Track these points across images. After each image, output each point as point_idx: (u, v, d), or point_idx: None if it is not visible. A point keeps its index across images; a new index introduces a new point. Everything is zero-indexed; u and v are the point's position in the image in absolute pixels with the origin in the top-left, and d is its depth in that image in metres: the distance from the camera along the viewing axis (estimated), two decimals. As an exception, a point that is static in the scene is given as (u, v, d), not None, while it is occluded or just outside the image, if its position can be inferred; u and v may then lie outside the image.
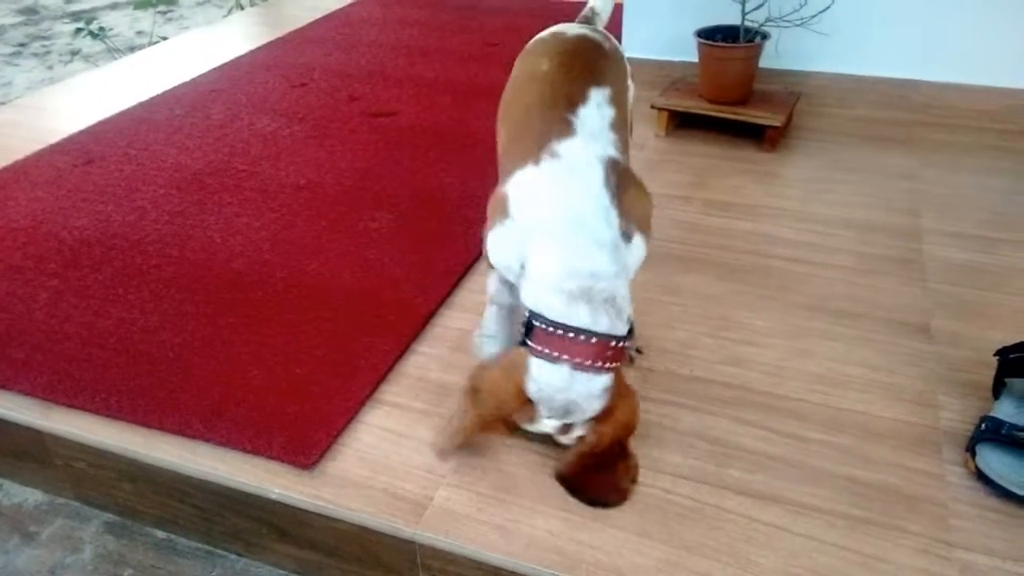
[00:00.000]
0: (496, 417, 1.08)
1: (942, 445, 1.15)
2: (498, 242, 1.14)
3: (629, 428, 1.07)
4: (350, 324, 1.41)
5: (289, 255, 1.61)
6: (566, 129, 1.13)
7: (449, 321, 1.43)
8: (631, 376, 1.27)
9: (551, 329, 1.02)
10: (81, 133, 2.19)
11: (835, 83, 2.13)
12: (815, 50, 2.09)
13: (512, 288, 1.19)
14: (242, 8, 3.78)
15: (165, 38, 3.35)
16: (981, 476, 1.08)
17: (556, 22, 2.94)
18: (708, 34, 1.99)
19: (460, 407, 1.10)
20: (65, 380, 1.30)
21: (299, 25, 3.05)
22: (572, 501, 1.08)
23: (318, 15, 3.16)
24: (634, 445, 1.15)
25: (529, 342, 1.04)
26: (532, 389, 1.03)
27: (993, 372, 1.21)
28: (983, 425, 1.11)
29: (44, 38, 4.42)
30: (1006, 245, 1.59)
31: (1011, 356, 1.18)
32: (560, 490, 1.09)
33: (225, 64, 2.68)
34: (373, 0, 3.32)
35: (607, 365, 1.02)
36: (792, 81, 2.15)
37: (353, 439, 1.19)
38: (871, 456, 1.13)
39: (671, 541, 1.02)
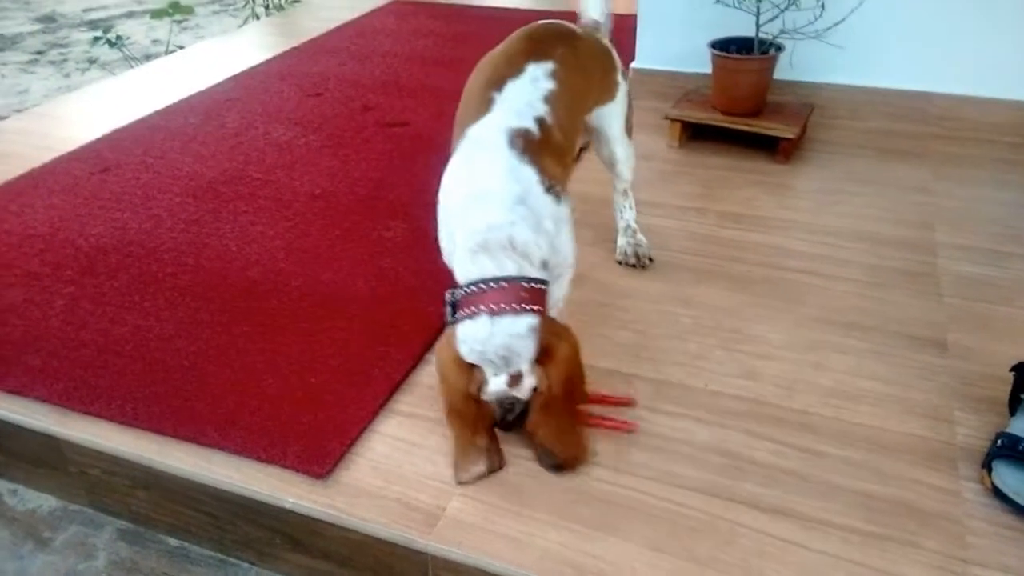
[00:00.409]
0: (457, 398, 1.08)
1: (958, 461, 1.14)
2: (438, 221, 1.18)
3: (573, 363, 1.08)
4: (364, 333, 1.41)
5: (304, 264, 1.62)
6: (485, 108, 1.17)
7: (462, 331, 1.43)
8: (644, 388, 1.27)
9: (467, 291, 1.05)
10: (97, 141, 2.21)
11: (849, 95, 2.13)
12: (829, 62, 2.09)
13: None
14: (257, 18, 3.81)
15: (181, 47, 3.38)
16: (997, 493, 1.07)
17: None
18: (722, 46, 1.99)
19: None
20: (81, 387, 1.31)
21: (314, 35, 3.08)
22: (584, 514, 1.08)
23: (333, 25, 3.18)
24: (647, 457, 1.16)
25: (454, 315, 1.06)
26: (464, 351, 1.05)
27: (1009, 387, 1.20)
28: (999, 441, 1.10)
29: (61, 46, 4.47)
30: (1018, 259, 1.58)
31: (1027, 372, 1.18)
32: (573, 502, 1.09)
33: (240, 73, 2.70)
34: (388, 11, 3.34)
35: (524, 306, 1.04)
36: (806, 93, 2.15)
37: (367, 448, 1.20)
38: (885, 471, 1.12)
39: (683, 555, 1.02)
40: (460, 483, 1.13)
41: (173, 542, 1.27)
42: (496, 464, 1.14)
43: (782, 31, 1.96)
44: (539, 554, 1.03)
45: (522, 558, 1.02)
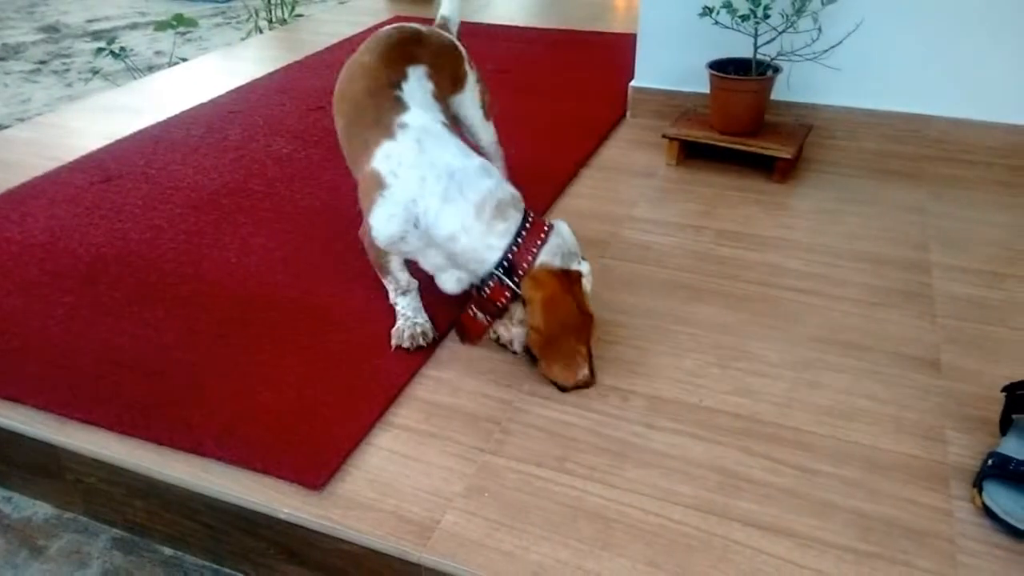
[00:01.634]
0: (572, 313, 1.26)
1: (950, 480, 1.15)
2: (384, 215, 1.30)
3: (550, 302, 1.24)
4: (361, 346, 1.42)
5: (303, 276, 1.62)
6: (401, 106, 1.36)
7: (458, 345, 1.44)
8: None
9: (520, 237, 1.25)
10: (100, 151, 2.23)
11: (845, 116, 2.15)
12: (826, 84, 2.11)
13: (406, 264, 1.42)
14: (260, 32, 3.84)
15: (184, 59, 3.41)
16: (988, 512, 1.08)
17: (568, 50, 3.00)
18: (720, 66, 2.01)
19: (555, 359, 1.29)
20: (80, 395, 1.31)
21: (316, 50, 3.10)
22: (580, 529, 1.08)
23: (335, 40, 3.21)
24: (642, 472, 1.16)
25: (520, 270, 1.25)
26: (558, 262, 1.26)
27: (1000, 407, 1.21)
28: (990, 461, 1.11)
29: (64, 56, 4.50)
30: (1012, 280, 1.60)
31: (1018, 392, 1.18)
32: (568, 517, 1.10)
33: (243, 86, 2.72)
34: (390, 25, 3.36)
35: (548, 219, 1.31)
36: (803, 113, 2.17)
37: (362, 461, 1.20)
38: (879, 490, 1.13)
39: (679, 572, 1.02)
40: (567, 389, 1.30)
41: (168, 551, 1.27)
42: (592, 372, 1.32)
43: (779, 53, 1.99)
44: (533, 569, 1.03)
45: (516, 572, 1.03)
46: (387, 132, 1.33)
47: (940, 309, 1.51)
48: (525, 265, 1.25)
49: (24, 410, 1.31)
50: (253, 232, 1.79)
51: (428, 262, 1.36)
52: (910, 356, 1.39)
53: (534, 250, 1.25)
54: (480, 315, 1.32)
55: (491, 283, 1.27)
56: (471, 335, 1.38)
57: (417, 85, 1.42)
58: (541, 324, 1.24)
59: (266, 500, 1.14)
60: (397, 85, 1.40)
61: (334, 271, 1.64)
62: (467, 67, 1.65)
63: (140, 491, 1.24)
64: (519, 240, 1.25)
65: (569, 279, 1.27)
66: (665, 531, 1.08)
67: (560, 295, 1.25)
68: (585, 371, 1.30)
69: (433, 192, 1.27)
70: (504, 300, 1.28)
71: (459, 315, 1.37)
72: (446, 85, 1.54)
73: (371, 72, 1.43)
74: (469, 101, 1.66)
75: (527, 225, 1.27)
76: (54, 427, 1.28)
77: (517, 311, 1.30)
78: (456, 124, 1.66)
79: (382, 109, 1.36)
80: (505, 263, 1.25)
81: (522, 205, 1.31)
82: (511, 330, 1.34)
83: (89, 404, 1.29)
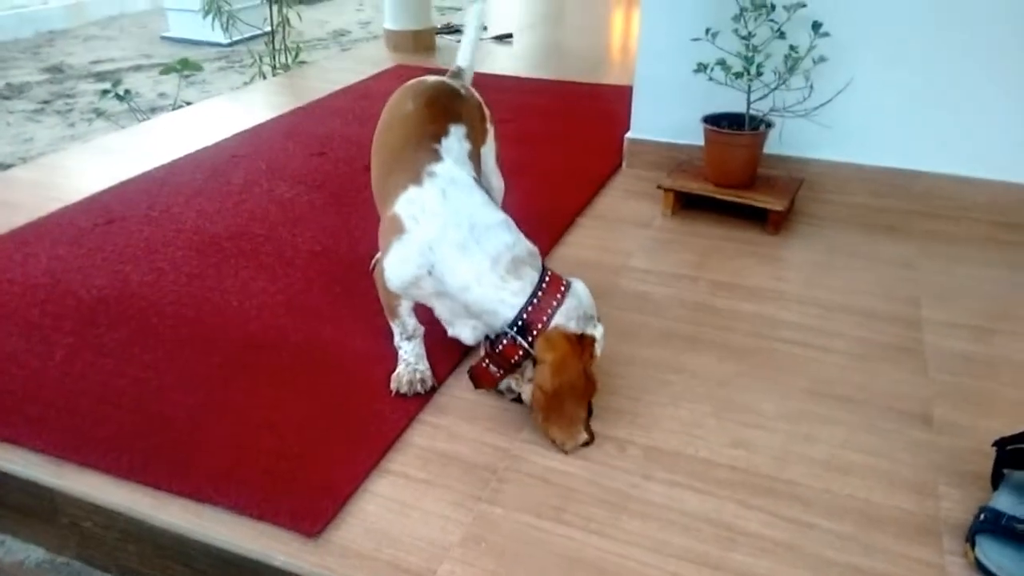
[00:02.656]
0: (577, 375, 1.26)
1: (943, 535, 1.16)
2: (399, 259, 1.33)
3: (559, 366, 1.24)
4: (361, 391, 1.43)
5: (304, 320, 1.64)
6: (435, 156, 1.39)
7: (456, 391, 1.46)
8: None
9: (537, 297, 1.26)
10: (103, 193, 2.25)
11: (836, 171, 2.20)
12: (817, 139, 2.17)
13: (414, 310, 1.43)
14: (264, 77, 3.91)
15: (188, 102, 3.46)
16: (980, 567, 1.08)
17: (565, 101, 3.06)
18: (715, 120, 2.07)
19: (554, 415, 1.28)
20: (78, 438, 1.31)
21: (319, 96, 3.16)
22: (576, 579, 1.08)
23: (338, 87, 3.27)
24: (639, 524, 1.17)
25: (535, 330, 1.26)
26: (573, 326, 1.27)
27: (992, 462, 1.22)
28: (982, 516, 1.12)
29: (68, 96, 4.56)
30: (1002, 336, 1.63)
31: (1009, 448, 1.20)
32: (565, 569, 1.10)
33: (246, 131, 2.77)
34: (391, 75, 3.44)
35: (567, 278, 1.32)
36: (795, 167, 2.22)
37: (359, 508, 1.20)
38: (873, 544, 1.14)
39: (674, 624, 1.02)
40: (568, 452, 1.30)
41: (161, 598, 1.27)
42: (591, 435, 1.32)
43: (772, 109, 2.04)
44: (530, 620, 1.03)
45: (513, 624, 1.03)
46: (415, 178, 1.35)
47: (932, 364, 1.54)
48: (540, 325, 1.25)
49: (21, 452, 1.31)
50: (254, 275, 1.81)
51: (442, 309, 1.38)
52: (903, 410, 1.41)
53: (549, 311, 1.25)
54: (492, 368, 1.33)
55: (505, 341, 1.28)
56: (484, 383, 1.38)
57: (456, 142, 1.44)
58: (548, 385, 1.24)
59: (262, 547, 1.14)
60: (437, 138, 1.42)
61: (335, 315, 1.66)
62: (488, 124, 1.69)
63: (135, 536, 1.23)
64: (535, 300, 1.26)
65: (582, 344, 1.27)
66: (661, 583, 1.08)
67: (570, 359, 1.25)
68: (584, 435, 1.31)
69: (452, 241, 1.28)
70: (517, 357, 1.28)
71: (473, 364, 1.37)
72: (477, 143, 1.57)
73: (413, 121, 1.46)
74: (488, 154, 1.70)
75: (544, 283, 1.27)
76: (51, 470, 1.28)
77: (528, 369, 1.30)
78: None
79: (418, 158, 1.38)
80: (520, 322, 1.26)
81: (539, 262, 1.31)
82: (522, 386, 1.34)
83: (87, 447, 1.30)
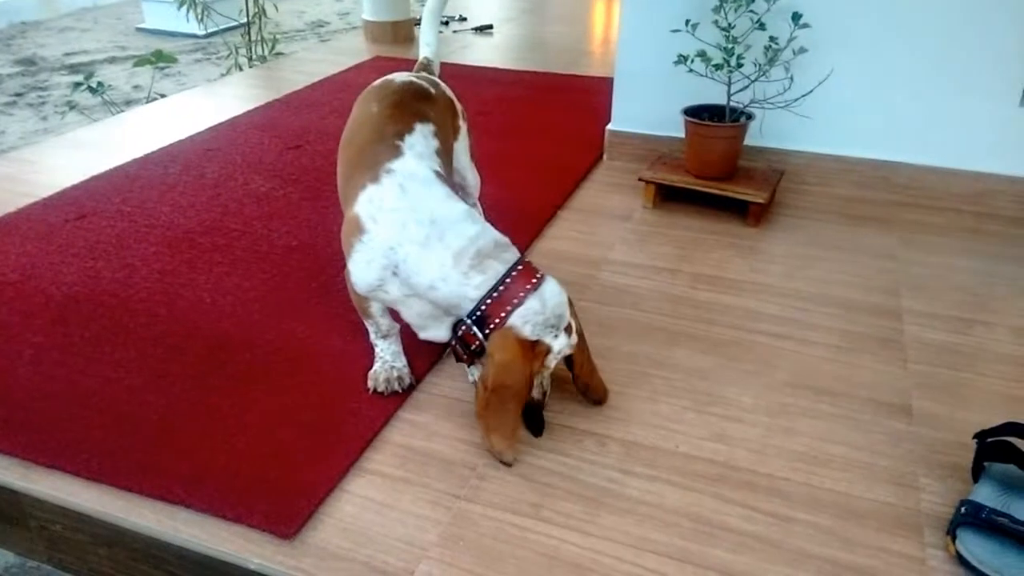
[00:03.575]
0: (523, 383, 1.22)
1: (923, 528, 1.15)
2: (362, 261, 1.29)
3: (503, 367, 1.20)
4: (336, 389, 1.41)
5: (278, 317, 1.61)
6: (396, 153, 1.35)
7: (435, 388, 1.44)
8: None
9: (497, 292, 1.22)
10: (74, 188, 2.21)
11: (817, 163, 2.19)
12: (798, 131, 2.16)
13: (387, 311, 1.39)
14: (240, 69, 3.86)
15: (163, 95, 3.41)
16: (962, 560, 1.08)
17: (546, 93, 3.05)
18: (695, 112, 2.05)
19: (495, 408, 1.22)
20: (47, 440, 1.28)
21: (296, 88, 3.12)
22: (555, 578, 1.07)
23: (315, 79, 3.23)
24: (617, 520, 1.16)
25: (491, 324, 1.22)
26: (528, 331, 1.22)
27: (972, 454, 1.22)
28: (962, 509, 1.12)
29: (40, 89, 4.48)
30: (982, 327, 1.63)
31: (989, 440, 1.20)
32: (544, 566, 1.09)
33: (221, 124, 2.72)
34: (369, 67, 3.40)
35: (539, 274, 1.27)
36: (775, 159, 2.22)
37: (335, 508, 1.18)
38: (853, 538, 1.13)
39: (654, 622, 1.01)
40: (510, 464, 1.25)
41: (133, 602, 1.24)
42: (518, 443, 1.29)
43: (752, 100, 2.03)
44: (508, 620, 1.02)
45: (491, 624, 1.01)
46: (374, 176, 1.31)
47: (911, 355, 1.53)
48: (496, 321, 1.22)
49: (-12, 454, 1.28)
50: (229, 271, 1.78)
51: (410, 313, 1.33)
52: (882, 402, 1.41)
53: (508, 307, 1.22)
54: (459, 348, 1.31)
55: (463, 327, 1.27)
56: (459, 359, 1.36)
57: (421, 138, 1.41)
58: (491, 383, 1.20)
59: (236, 549, 1.12)
60: (400, 135, 1.39)
61: (310, 311, 1.63)
62: (461, 121, 1.67)
63: (106, 539, 1.21)
64: (494, 293, 1.22)
65: (533, 352, 1.22)
66: (641, 581, 1.07)
67: (517, 364, 1.20)
68: (517, 446, 1.27)
69: (413, 239, 1.25)
70: (476, 345, 1.27)
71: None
72: (448, 140, 1.55)
73: (377, 122, 1.43)
74: (461, 150, 1.68)
75: (510, 277, 1.23)
76: (19, 472, 1.24)
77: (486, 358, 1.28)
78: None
79: (378, 156, 1.34)
80: (478, 312, 1.23)
81: (509, 253, 1.28)
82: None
83: (56, 449, 1.27)
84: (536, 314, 1.22)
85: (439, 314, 1.31)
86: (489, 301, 1.23)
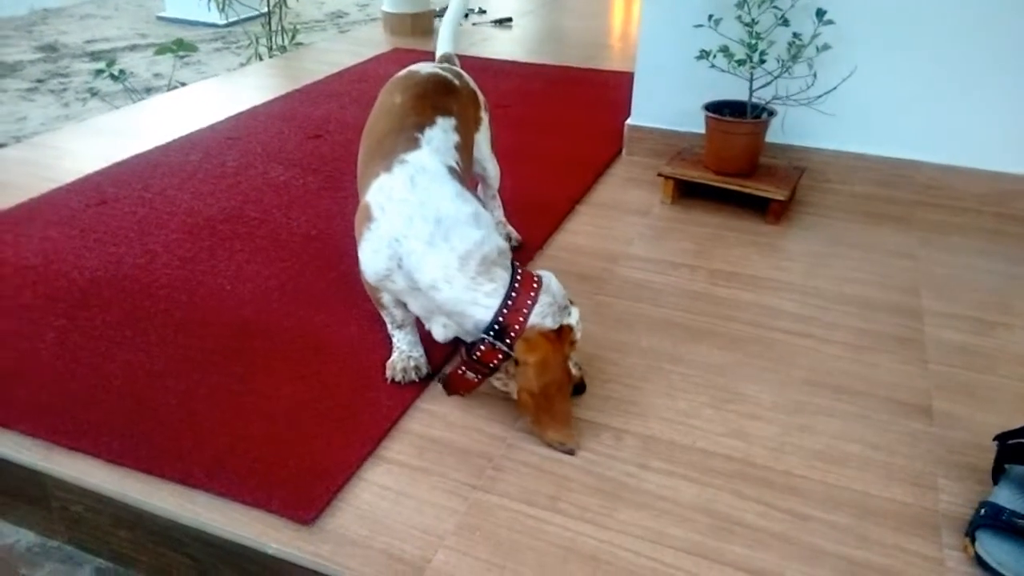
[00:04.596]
0: (563, 370, 1.25)
1: (941, 528, 1.15)
2: (370, 249, 1.29)
3: (542, 367, 1.22)
4: (355, 377, 1.42)
5: (298, 305, 1.62)
6: (413, 144, 1.35)
7: (453, 379, 1.44)
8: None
9: (511, 298, 1.22)
10: (96, 174, 2.23)
11: (838, 160, 2.18)
12: (820, 128, 2.15)
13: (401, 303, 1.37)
14: (260, 59, 3.87)
15: (183, 83, 3.43)
16: (980, 562, 1.08)
17: (565, 86, 3.04)
18: (716, 108, 2.04)
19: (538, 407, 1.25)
20: (69, 422, 1.30)
21: (316, 78, 3.13)
22: (572, 571, 1.07)
23: (335, 70, 3.24)
24: (634, 514, 1.16)
25: (512, 333, 1.22)
26: (550, 323, 1.24)
27: (992, 456, 1.22)
28: (982, 511, 1.11)
29: (62, 75, 4.51)
30: (1002, 328, 1.62)
31: (1010, 442, 1.19)
32: (560, 558, 1.09)
33: (242, 113, 2.73)
34: (389, 58, 3.40)
35: (538, 271, 1.30)
36: (796, 157, 2.20)
37: (353, 496, 1.19)
38: (870, 537, 1.13)
39: (670, 616, 1.01)
40: (574, 452, 1.27)
41: (152, 584, 1.26)
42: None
43: (775, 97, 2.02)
44: (524, 610, 1.02)
45: (507, 614, 1.02)
46: (387, 166, 1.32)
47: (931, 355, 1.52)
48: (517, 327, 1.22)
49: (11, 435, 1.29)
50: (249, 259, 1.79)
51: (415, 305, 1.33)
52: (901, 402, 1.40)
53: (525, 311, 1.22)
54: (470, 375, 1.30)
55: (483, 347, 1.23)
56: (459, 390, 1.35)
57: (441, 132, 1.40)
58: (534, 387, 1.21)
59: (254, 534, 1.13)
60: (420, 128, 1.38)
61: (329, 300, 1.64)
62: (483, 113, 1.68)
63: (126, 521, 1.22)
64: (509, 301, 1.22)
65: (560, 338, 1.25)
66: (656, 575, 1.07)
67: (552, 357, 1.22)
68: (576, 431, 1.29)
69: (418, 234, 1.24)
70: (496, 362, 1.25)
71: (448, 371, 1.35)
72: (469, 133, 1.54)
73: (399, 113, 1.43)
74: (482, 141, 1.69)
75: (516, 283, 1.24)
76: (41, 453, 1.26)
77: (511, 366, 1.26)
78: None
79: (395, 146, 1.35)
80: (496, 326, 1.22)
81: (508, 260, 1.28)
82: (509, 384, 1.29)
83: (78, 431, 1.28)
84: (550, 306, 1.24)
85: (442, 316, 1.30)
86: (505, 311, 1.22)
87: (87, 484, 1.22)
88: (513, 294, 1.23)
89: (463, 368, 1.29)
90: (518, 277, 1.25)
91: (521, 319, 1.22)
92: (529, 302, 1.23)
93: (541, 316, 1.23)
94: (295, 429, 1.29)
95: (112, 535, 1.25)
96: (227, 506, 1.17)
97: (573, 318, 1.27)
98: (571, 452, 1.27)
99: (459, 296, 1.23)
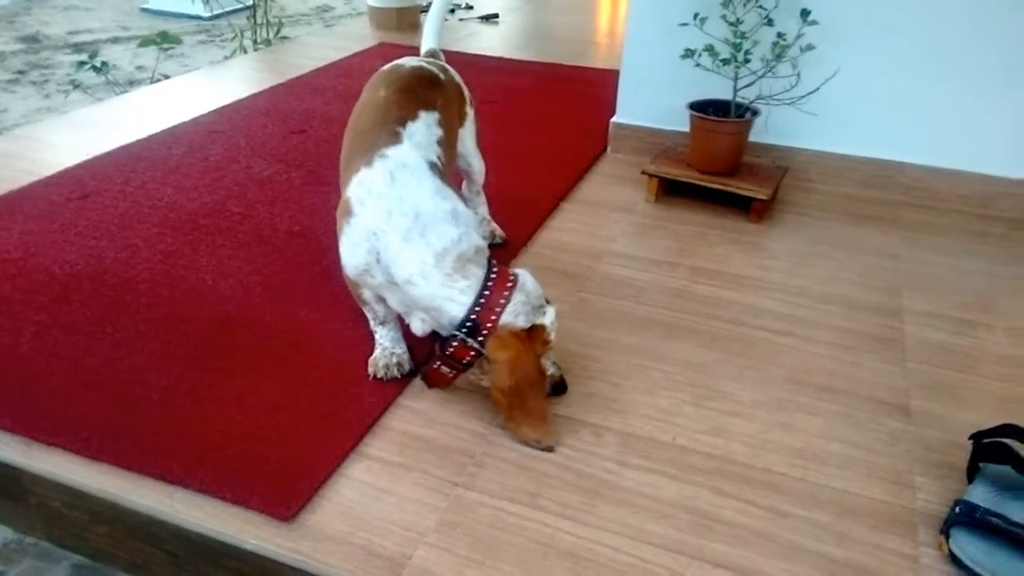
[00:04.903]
0: (534, 368, 1.26)
1: (918, 526, 1.16)
2: (349, 243, 1.30)
3: (512, 365, 1.23)
4: (337, 374, 1.41)
5: (280, 301, 1.61)
6: (394, 139, 1.35)
7: (436, 376, 1.44)
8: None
9: (483, 296, 1.23)
10: (77, 167, 2.21)
11: (822, 160, 2.19)
12: (803, 128, 2.16)
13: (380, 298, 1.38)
14: (245, 52, 3.84)
15: (167, 76, 3.40)
16: (955, 560, 1.09)
17: (551, 83, 3.04)
18: (700, 107, 2.05)
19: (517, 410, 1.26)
20: (47, 418, 1.29)
21: (301, 73, 3.11)
22: (551, 568, 1.08)
23: (320, 64, 3.22)
24: (614, 511, 1.16)
25: (484, 331, 1.23)
26: (522, 321, 1.24)
27: (968, 454, 1.23)
28: (957, 508, 1.12)
29: (44, 67, 4.47)
30: (982, 328, 1.63)
31: (985, 441, 1.21)
32: (540, 555, 1.09)
33: (226, 106, 2.71)
34: (375, 52, 3.39)
35: (513, 269, 1.30)
36: (780, 156, 2.21)
37: (334, 492, 1.19)
38: (848, 534, 1.14)
39: (648, 612, 1.02)
40: (553, 450, 1.27)
41: (130, 580, 1.25)
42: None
43: (759, 96, 2.03)
44: (504, 607, 1.02)
45: (487, 610, 1.02)
46: (368, 160, 1.32)
47: (911, 354, 1.54)
48: (489, 325, 1.23)
49: (-12, 430, 1.28)
50: (231, 254, 1.78)
51: (393, 300, 1.34)
52: (881, 400, 1.41)
53: (497, 309, 1.23)
54: (445, 369, 1.31)
55: (455, 343, 1.25)
56: (437, 384, 1.37)
57: (423, 126, 1.40)
58: (505, 384, 1.23)
59: (233, 530, 1.12)
60: (402, 122, 1.38)
61: (312, 295, 1.63)
62: (468, 108, 1.67)
63: (104, 517, 1.21)
64: (482, 299, 1.23)
65: (532, 337, 1.25)
66: (636, 571, 1.07)
67: (523, 356, 1.23)
68: (552, 428, 1.29)
69: (396, 229, 1.25)
70: (469, 358, 1.27)
71: (424, 366, 1.36)
72: (453, 127, 1.54)
73: (381, 106, 1.43)
74: (467, 136, 1.69)
75: (491, 280, 1.25)
76: (19, 449, 1.25)
77: (484, 363, 1.27)
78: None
79: (377, 141, 1.35)
80: (468, 322, 1.23)
81: (485, 258, 1.29)
82: (482, 379, 1.31)
83: (56, 426, 1.27)
84: (523, 304, 1.25)
85: (420, 311, 1.32)
86: (478, 308, 1.23)
87: (65, 480, 1.21)
88: (486, 292, 1.23)
89: (438, 363, 1.30)
90: (492, 275, 1.25)
91: (494, 317, 1.23)
92: (502, 300, 1.23)
93: (513, 315, 1.23)
94: (277, 425, 1.29)
95: (90, 531, 1.24)
96: (207, 502, 1.16)
97: (547, 318, 1.27)
98: (549, 449, 1.27)
99: (434, 292, 1.24)
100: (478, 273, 1.25)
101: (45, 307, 1.57)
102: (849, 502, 1.20)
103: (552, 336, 1.28)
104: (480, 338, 1.23)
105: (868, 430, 1.34)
